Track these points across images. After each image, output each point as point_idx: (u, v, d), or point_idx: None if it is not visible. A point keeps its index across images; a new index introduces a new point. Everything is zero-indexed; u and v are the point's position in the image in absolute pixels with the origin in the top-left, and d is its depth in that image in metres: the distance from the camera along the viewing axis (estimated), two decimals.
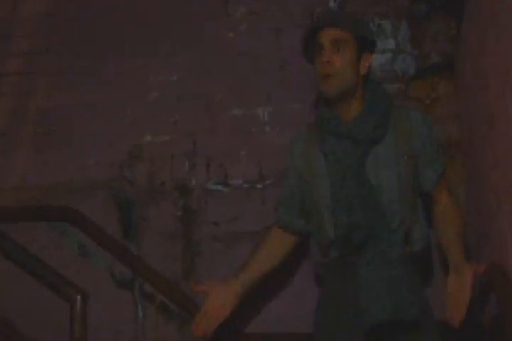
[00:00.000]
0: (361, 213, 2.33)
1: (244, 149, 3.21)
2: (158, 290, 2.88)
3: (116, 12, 3.38)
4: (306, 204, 2.53)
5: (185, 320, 2.99)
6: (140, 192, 3.25)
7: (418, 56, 3.20)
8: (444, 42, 3.17)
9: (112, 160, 3.28)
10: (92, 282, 2.87)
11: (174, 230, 3.19)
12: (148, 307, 3.09)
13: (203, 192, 3.20)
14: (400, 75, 3.19)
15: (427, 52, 3.19)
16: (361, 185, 2.35)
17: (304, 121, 3.01)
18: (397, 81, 3.16)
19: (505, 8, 2.19)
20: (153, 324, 3.07)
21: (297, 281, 3.00)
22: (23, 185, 3.26)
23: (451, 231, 2.50)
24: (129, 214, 3.21)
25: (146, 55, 3.36)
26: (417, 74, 3.16)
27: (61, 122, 3.31)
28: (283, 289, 3.01)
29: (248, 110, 3.25)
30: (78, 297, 2.27)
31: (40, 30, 3.40)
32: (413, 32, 3.20)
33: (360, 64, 2.43)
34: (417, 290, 2.42)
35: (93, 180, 3.25)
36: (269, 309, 3.01)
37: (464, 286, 2.41)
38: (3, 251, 2.42)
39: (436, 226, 2.56)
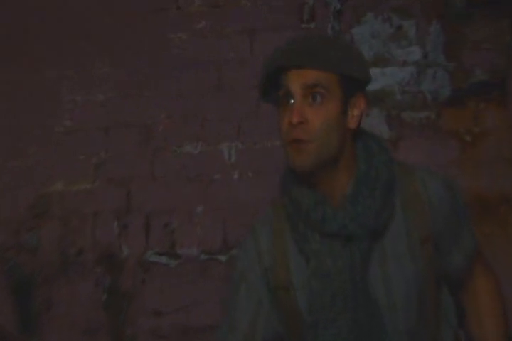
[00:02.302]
0: None
1: (201, 204, 2.94)
2: None
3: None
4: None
5: None
6: (46, 267, 3.01)
7: (455, 72, 2.99)
8: (492, 52, 3.00)
9: (5, 219, 3.07)
10: None
11: (96, 322, 2.95)
12: None
13: (139, 266, 2.97)
14: (428, 99, 2.98)
15: (467, 66, 2.99)
16: (362, 309, 2.02)
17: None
18: (424, 107, 2.94)
19: None
20: None
21: None
22: None
23: (488, 328, 2.20)
24: (28, 298, 2.99)
25: (58, 65, 3.10)
26: (453, 97, 2.96)
27: None
28: None
29: (207, 146, 3.00)
30: None
31: None
32: (448, 37, 3.00)
33: (348, 114, 2.02)
34: None
35: None
36: None
37: None
38: None
39: (467, 323, 2.26)
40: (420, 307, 2.12)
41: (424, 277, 2.16)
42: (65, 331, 2.97)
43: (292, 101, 2.03)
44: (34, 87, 3.00)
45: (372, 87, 2.82)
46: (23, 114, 3.04)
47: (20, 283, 3.02)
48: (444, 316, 2.30)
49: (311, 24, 2.88)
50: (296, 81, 2.04)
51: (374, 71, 2.83)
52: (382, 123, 2.83)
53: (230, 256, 2.92)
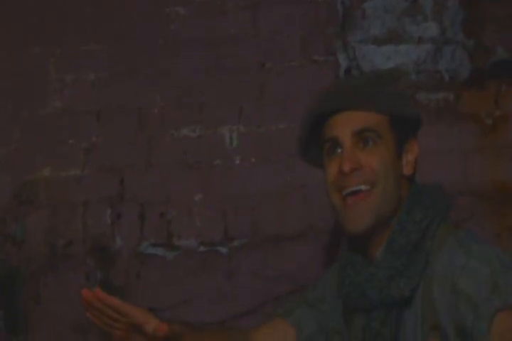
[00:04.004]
0: None
1: (201, 192, 2.89)
2: None
3: None
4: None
5: None
6: (33, 259, 2.93)
7: (475, 50, 2.92)
8: None
9: None
10: None
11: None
12: None
13: (134, 258, 2.91)
14: (446, 79, 2.91)
15: (488, 44, 2.91)
16: None
17: (295, 148, 2.54)
18: (441, 88, 2.88)
19: None
20: None
21: None
22: None
23: None
24: (14, 294, 2.92)
25: (47, 43, 3.00)
26: (472, 77, 2.89)
27: None
28: None
29: (206, 130, 2.92)
30: None
31: None
32: (467, 12, 2.93)
33: (402, 160, 1.96)
34: None
35: None
36: None
37: None
38: None
39: None
40: None
41: None
42: (54, 328, 2.92)
43: (340, 150, 1.90)
44: (17, 65, 2.94)
45: (385, 65, 2.79)
46: (6, 94, 2.96)
47: (5, 277, 2.95)
48: None
49: None
50: (343, 128, 1.93)
51: (387, 49, 2.77)
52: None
53: (231, 248, 2.86)
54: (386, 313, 1.93)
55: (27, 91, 2.95)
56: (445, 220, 1.98)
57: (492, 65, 2.91)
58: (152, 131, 2.92)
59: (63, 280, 2.91)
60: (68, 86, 2.98)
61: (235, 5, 2.96)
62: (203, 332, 2.21)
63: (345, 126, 1.93)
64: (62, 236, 2.95)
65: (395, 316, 1.94)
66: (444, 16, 2.88)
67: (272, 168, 2.78)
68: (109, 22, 2.94)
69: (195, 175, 2.89)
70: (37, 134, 3.02)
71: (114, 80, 2.95)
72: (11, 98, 2.97)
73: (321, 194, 2.11)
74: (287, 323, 2.22)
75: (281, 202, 2.74)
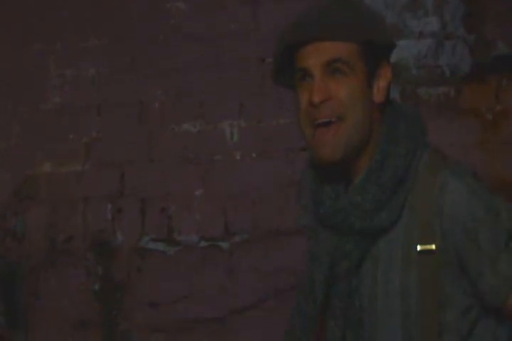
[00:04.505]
0: None
1: (201, 187, 2.90)
2: None
3: None
4: None
5: None
6: (33, 254, 2.99)
7: (475, 45, 2.94)
8: None
9: None
10: None
11: (87, 315, 2.93)
12: None
13: (135, 254, 2.96)
14: (446, 74, 2.94)
15: (489, 38, 2.92)
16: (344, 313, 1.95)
17: (295, 143, 2.71)
18: (442, 82, 2.90)
19: None
20: None
21: None
22: None
23: None
24: (14, 289, 2.99)
25: (47, 39, 3.02)
26: (473, 72, 2.91)
27: None
28: None
29: (207, 125, 2.94)
30: None
31: None
32: (468, 7, 2.95)
33: (373, 87, 1.91)
34: None
35: None
36: None
37: None
38: None
39: None
40: (408, 329, 1.95)
41: (418, 294, 1.96)
42: (54, 324, 2.97)
43: (310, 79, 1.91)
44: (18, 61, 2.95)
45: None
46: (6, 90, 2.97)
47: (6, 272, 3.00)
48: None
49: None
50: (312, 58, 1.91)
51: None
52: (397, 99, 2.74)
53: (231, 243, 2.85)
54: (360, 237, 1.98)
55: (27, 87, 2.96)
56: (426, 147, 2.02)
57: (493, 60, 2.90)
58: (152, 127, 2.92)
59: (63, 275, 2.96)
60: (68, 82, 2.98)
61: (235, 0, 2.92)
62: None
63: (314, 56, 1.92)
64: (63, 232, 3.00)
65: (368, 241, 1.98)
66: (445, 11, 2.88)
67: (272, 163, 2.77)
68: (109, 18, 2.94)
69: (196, 170, 2.89)
70: (37, 130, 3.05)
71: (114, 76, 2.96)
72: (11, 94, 2.97)
73: None
74: None
75: (282, 198, 2.74)
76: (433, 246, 1.94)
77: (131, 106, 2.93)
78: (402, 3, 2.83)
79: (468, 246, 1.95)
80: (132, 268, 2.98)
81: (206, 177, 2.87)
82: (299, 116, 1.96)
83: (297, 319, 2.19)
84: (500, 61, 2.97)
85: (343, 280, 2.01)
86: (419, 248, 1.94)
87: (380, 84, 1.93)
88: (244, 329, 2.78)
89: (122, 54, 2.94)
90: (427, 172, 1.95)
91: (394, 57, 2.65)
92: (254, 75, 2.94)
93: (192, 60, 2.90)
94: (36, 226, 3.05)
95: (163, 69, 2.93)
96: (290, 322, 2.23)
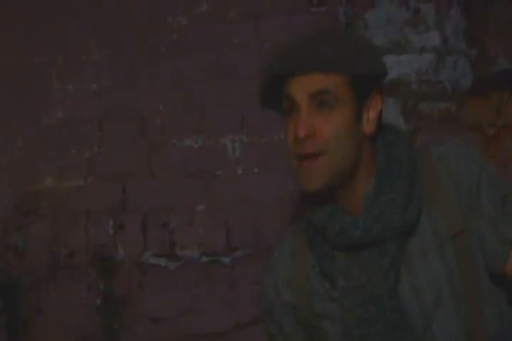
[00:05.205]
0: None
1: (203, 202, 2.89)
2: None
3: None
4: None
5: None
6: (34, 269, 2.95)
7: (477, 60, 2.91)
8: None
9: None
10: None
11: (89, 330, 2.91)
12: None
13: (136, 269, 2.91)
14: (448, 89, 2.90)
15: (491, 53, 2.89)
16: (391, 317, 1.91)
17: None
18: (443, 97, 2.87)
19: None
20: None
21: None
22: None
23: None
24: (15, 303, 2.96)
25: (48, 51, 3.02)
26: (475, 87, 2.87)
27: None
28: None
29: (209, 140, 2.92)
30: None
31: None
32: (470, 22, 2.92)
33: (363, 119, 1.92)
34: None
35: None
36: None
37: None
38: None
39: None
40: (463, 312, 1.96)
41: (461, 277, 1.99)
42: (55, 339, 2.94)
43: (297, 111, 1.91)
44: (20, 74, 2.95)
45: (387, 76, 2.80)
46: (8, 104, 2.98)
47: (7, 286, 2.97)
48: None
49: (321, 8, 2.81)
50: (299, 89, 1.92)
51: (389, 59, 2.77)
52: (398, 115, 2.77)
53: (233, 258, 2.88)
54: (392, 242, 1.95)
55: (29, 100, 2.96)
56: (416, 155, 2.01)
57: (494, 75, 2.88)
58: (154, 141, 2.92)
59: (65, 290, 2.92)
60: (70, 95, 2.99)
61: (237, 15, 2.96)
62: None
63: (301, 87, 1.91)
64: (64, 246, 2.96)
65: (401, 242, 1.96)
66: (446, 26, 2.88)
67: (274, 178, 2.78)
68: (111, 31, 2.94)
69: (198, 185, 2.90)
70: (39, 144, 3.01)
71: (116, 89, 2.96)
72: (13, 107, 2.97)
73: None
74: None
75: (284, 212, 2.74)
76: (461, 227, 1.95)
77: (133, 121, 2.94)
78: (403, 19, 2.83)
79: (477, 211, 1.96)
80: (134, 283, 2.92)
81: (208, 192, 2.87)
82: (288, 149, 1.97)
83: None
84: (502, 76, 2.94)
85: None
86: (450, 233, 1.95)
87: (369, 115, 1.93)
88: None
89: (124, 68, 2.95)
90: (422, 160, 1.97)
91: (395, 73, 2.81)
92: (255, 90, 2.96)
93: (193, 74, 2.90)
94: (38, 240, 2.98)
95: (165, 84, 2.93)
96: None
